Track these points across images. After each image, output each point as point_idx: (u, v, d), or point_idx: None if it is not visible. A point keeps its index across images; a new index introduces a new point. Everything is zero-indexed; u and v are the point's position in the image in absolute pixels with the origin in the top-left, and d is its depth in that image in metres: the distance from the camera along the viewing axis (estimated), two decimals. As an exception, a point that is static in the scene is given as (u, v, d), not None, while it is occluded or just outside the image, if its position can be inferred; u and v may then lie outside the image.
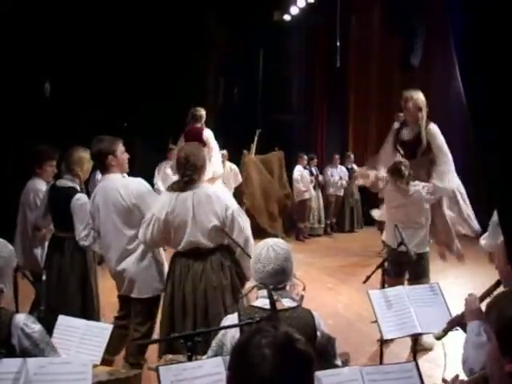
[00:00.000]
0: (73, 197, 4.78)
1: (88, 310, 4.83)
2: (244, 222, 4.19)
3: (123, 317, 4.58)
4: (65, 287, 4.80)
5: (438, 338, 3.22)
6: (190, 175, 4.11)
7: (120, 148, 4.43)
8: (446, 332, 3.17)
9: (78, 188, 4.94)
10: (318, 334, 2.80)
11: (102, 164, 4.42)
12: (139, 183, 4.38)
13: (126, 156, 4.50)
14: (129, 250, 4.32)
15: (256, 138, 11.49)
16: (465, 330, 2.94)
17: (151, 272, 4.36)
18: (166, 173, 10.42)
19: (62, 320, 3.43)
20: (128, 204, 4.25)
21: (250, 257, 3.96)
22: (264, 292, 2.74)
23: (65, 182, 4.95)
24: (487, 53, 2.24)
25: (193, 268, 4.11)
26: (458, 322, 3.07)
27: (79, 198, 4.79)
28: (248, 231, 4.20)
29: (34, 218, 5.22)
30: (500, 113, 2.26)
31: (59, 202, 4.88)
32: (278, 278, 2.83)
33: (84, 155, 4.93)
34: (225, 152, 10.45)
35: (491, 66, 2.25)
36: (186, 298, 4.10)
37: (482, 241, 4.52)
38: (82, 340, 3.32)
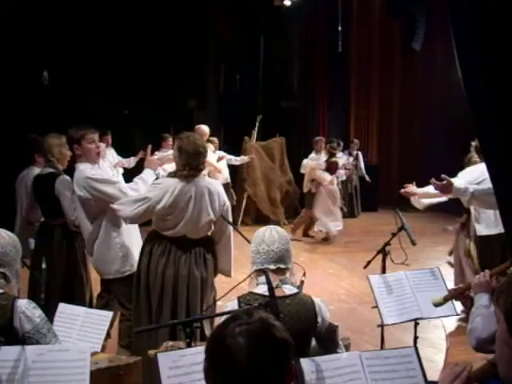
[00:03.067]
0: (54, 181, 4.79)
1: (78, 297, 4.82)
2: (230, 220, 4.36)
3: (102, 293, 4.74)
4: (54, 275, 4.77)
5: (437, 304, 3.23)
6: (202, 164, 4.17)
7: (87, 138, 4.43)
8: (446, 300, 3.18)
9: (58, 172, 4.92)
10: (319, 320, 2.81)
11: (72, 152, 4.56)
12: (78, 175, 4.39)
13: (93, 146, 4.47)
14: (93, 237, 4.49)
15: (257, 125, 11.45)
16: (463, 303, 2.95)
17: (111, 254, 4.46)
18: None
19: (63, 308, 3.44)
20: (78, 195, 4.38)
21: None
22: (263, 278, 2.74)
23: (46, 170, 4.97)
24: (487, 39, 2.22)
25: (175, 254, 4.15)
26: (461, 293, 3.08)
27: (60, 180, 4.80)
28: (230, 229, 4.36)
29: (24, 211, 5.26)
30: (500, 104, 2.24)
31: (43, 189, 4.91)
32: (282, 258, 2.88)
33: (52, 140, 4.96)
34: (215, 139, 10.35)
35: (491, 55, 2.22)
36: (166, 281, 4.13)
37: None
38: (82, 328, 3.33)
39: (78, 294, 4.84)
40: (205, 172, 4.72)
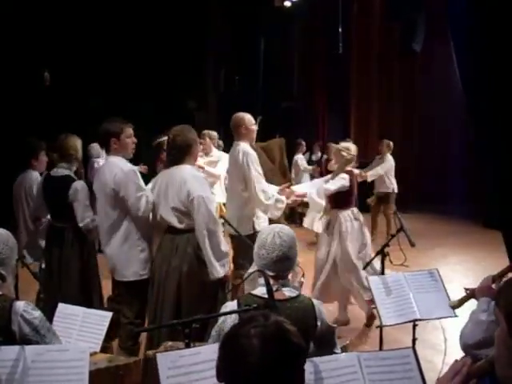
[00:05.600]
0: (70, 185, 4.78)
1: (89, 298, 4.84)
2: (206, 212, 4.11)
3: (115, 298, 4.67)
4: (66, 277, 4.79)
5: (453, 306, 3.25)
6: (174, 154, 4.29)
7: (126, 132, 4.47)
8: (461, 303, 3.20)
9: (73, 175, 4.93)
10: (319, 323, 2.80)
11: (106, 145, 4.48)
12: (121, 170, 4.33)
13: (130, 141, 4.52)
14: (112, 231, 4.40)
15: (257, 126, 11.43)
16: None
17: (131, 256, 4.40)
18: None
19: (62, 308, 3.44)
20: (109, 187, 4.31)
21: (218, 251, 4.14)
22: (263, 280, 2.73)
23: (61, 171, 4.92)
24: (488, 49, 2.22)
25: (164, 246, 4.28)
26: (473, 296, 3.10)
27: (76, 186, 4.79)
28: (209, 224, 4.12)
29: (32, 209, 5.25)
30: (500, 111, 2.25)
31: (56, 191, 4.86)
32: (282, 265, 2.82)
33: (77, 141, 4.99)
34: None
35: (492, 64, 2.23)
36: (159, 278, 4.26)
37: None
38: (81, 328, 3.33)
39: (89, 297, 4.85)
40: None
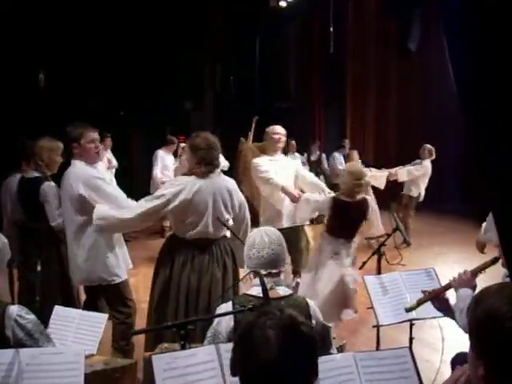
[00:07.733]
0: (39, 186, 4.81)
1: (69, 298, 4.85)
2: (248, 216, 4.47)
3: (89, 303, 4.57)
4: (46, 277, 4.70)
5: (409, 309, 3.25)
6: (218, 159, 4.25)
7: (86, 137, 4.33)
8: (419, 303, 3.19)
9: (43, 176, 4.91)
10: (313, 322, 2.80)
11: (68, 149, 4.43)
12: (79, 172, 4.29)
13: (93, 146, 4.39)
14: (78, 237, 4.31)
15: (253, 126, 11.44)
16: (438, 308, 2.96)
17: (98, 260, 4.31)
18: (166, 164, 10.26)
19: (58, 310, 3.44)
20: (76, 194, 4.21)
21: None
22: (258, 280, 2.74)
23: (31, 173, 4.98)
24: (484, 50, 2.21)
25: (198, 258, 4.17)
26: (437, 295, 3.08)
27: (46, 186, 4.81)
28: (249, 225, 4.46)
29: (10, 212, 5.25)
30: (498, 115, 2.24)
31: (26, 193, 4.92)
32: (273, 262, 2.86)
33: (44, 144, 4.96)
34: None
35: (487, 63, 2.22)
36: (190, 289, 4.15)
37: (483, 235, 4.52)
38: (77, 330, 3.33)
39: (69, 296, 4.85)
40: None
